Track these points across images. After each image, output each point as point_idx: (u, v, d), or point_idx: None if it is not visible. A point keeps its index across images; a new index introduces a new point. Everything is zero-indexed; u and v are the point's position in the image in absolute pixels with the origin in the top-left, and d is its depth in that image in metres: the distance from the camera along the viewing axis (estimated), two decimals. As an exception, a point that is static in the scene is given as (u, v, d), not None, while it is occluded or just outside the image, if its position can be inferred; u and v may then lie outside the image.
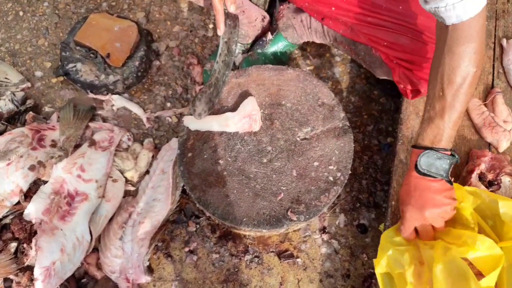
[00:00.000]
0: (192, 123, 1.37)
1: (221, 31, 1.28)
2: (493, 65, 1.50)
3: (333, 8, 1.37)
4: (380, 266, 1.11)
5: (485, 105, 1.41)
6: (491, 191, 1.23)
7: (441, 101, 1.01)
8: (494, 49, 1.52)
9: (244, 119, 1.33)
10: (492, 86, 1.46)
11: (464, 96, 1.00)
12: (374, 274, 1.15)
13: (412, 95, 1.37)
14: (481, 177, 1.25)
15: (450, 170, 1.03)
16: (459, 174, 1.30)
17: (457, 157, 1.04)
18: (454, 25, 0.96)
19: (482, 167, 1.25)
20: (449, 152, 1.03)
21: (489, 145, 1.37)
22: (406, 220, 1.08)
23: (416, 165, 1.03)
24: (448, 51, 0.99)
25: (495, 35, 1.55)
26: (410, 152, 1.21)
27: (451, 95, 0.99)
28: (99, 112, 1.73)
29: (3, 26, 1.93)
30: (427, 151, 1.02)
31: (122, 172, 1.59)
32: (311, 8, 1.46)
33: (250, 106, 1.34)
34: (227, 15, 1.29)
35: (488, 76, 1.48)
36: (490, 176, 1.25)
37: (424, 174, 1.03)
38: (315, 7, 1.43)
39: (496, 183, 1.24)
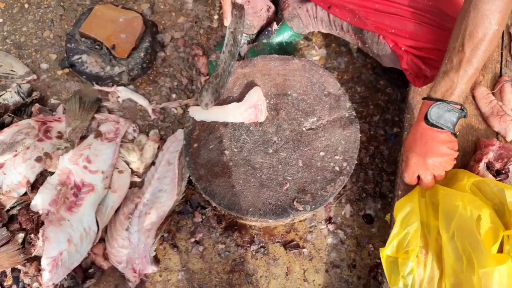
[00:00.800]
0: (197, 114, 1.37)
1: (228, 21, 1.28)
2: (501, 53, 1.47)
3: (339, -5, 1.36)
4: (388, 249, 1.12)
5: (493, 93, 1.39)
6: (499, 180, 1.22)
7: (459, 55, 1.03)
8: (502, 38, 1.50)
9: (249, 110, 1.33)
10: (500, 75, 1.44)
11: (482, 52, 1.02)
12: (380, 264, 1.15)
13: (420, 82, 1.35)
14: (489, 166, 1.24)
15: (457, 123, 1.08)
16: (467, 163, 1.29)
17: (465, 111, 1.07)
18: None
19: (490, 156, 1.23)
20: (459, 106, 1.06)
21: (496, 134, 1.35)
22: (409, 166, 1.14)
23: (426, 116, 1.07)
24: (473, 7, 1.01)
25: (503, 23, 1.53)
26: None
27: (470, 50, 1.02)
28: (105, 103, 1.73)
29: (9, 18, 1.93)
30: (438, 103, 1.05)
31: (128, 163, 1.59)
32: (316, -3, 1.45)
33: (256, 96, 1.34)
34: (234, 5, 1.28)
35: (496, 65, 1.46)
36: (498, 165, 1.23)
37: (432, 125, 1.07)
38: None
39: (504, 172, 1.22)
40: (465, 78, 1.04)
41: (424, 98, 1.11)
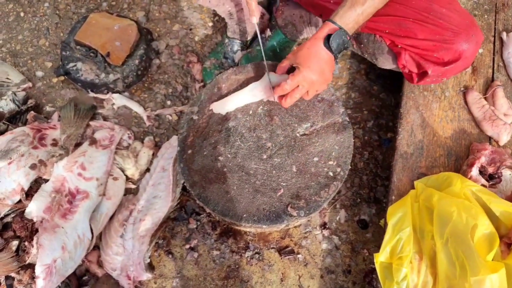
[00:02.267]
0: (222, 106, 1.37)
1: (256, 18, 1.34)
2: (493, 58, 1.49)
3: (331, 1, 1.36)
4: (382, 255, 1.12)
5: (486, 98, 1.40)
6: (492, 184, 1.22)
7: None
8: (494, 43, 1.51)
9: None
10: (492, 80, 1.45)
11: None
12: (375, 269, 1.15)
13: (417, 79, 1.35)
14: (482, 171, 1.24)
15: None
16: (460, 167, 1.30)
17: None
18: None
19: (483, 160, 1.24)
20: (348, 37, 1.20)
21: (489, 138, 1.36)
22: (298, 76, 1.23)
23: (327, 39, 1.19)
24: None
25: (495, 29, 1.54)
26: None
27: None
28: (100, 111, 1.74)
29: (4, 27, 1.94)
30: (341, 31, 1.18)
31: (122, 170, 1.59)
32: (309, 3, 1.46)
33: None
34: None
35: (488, 70, 1.47)
36: (490, 170, 1.24)
37: (329, 48, 1.20)
38: (313, 2, 1.43)
39: (496, 176, 1.23)
40: (365, 17, 1.18)
41: (329, 20, 1.19)
